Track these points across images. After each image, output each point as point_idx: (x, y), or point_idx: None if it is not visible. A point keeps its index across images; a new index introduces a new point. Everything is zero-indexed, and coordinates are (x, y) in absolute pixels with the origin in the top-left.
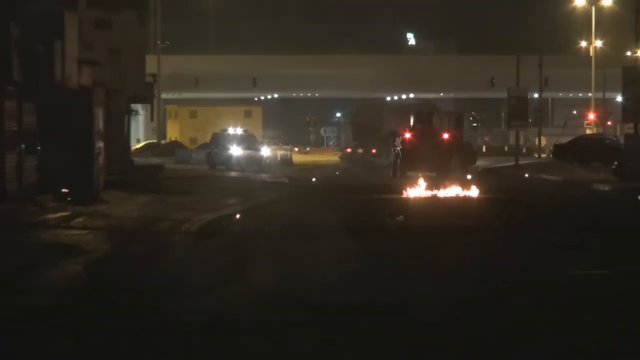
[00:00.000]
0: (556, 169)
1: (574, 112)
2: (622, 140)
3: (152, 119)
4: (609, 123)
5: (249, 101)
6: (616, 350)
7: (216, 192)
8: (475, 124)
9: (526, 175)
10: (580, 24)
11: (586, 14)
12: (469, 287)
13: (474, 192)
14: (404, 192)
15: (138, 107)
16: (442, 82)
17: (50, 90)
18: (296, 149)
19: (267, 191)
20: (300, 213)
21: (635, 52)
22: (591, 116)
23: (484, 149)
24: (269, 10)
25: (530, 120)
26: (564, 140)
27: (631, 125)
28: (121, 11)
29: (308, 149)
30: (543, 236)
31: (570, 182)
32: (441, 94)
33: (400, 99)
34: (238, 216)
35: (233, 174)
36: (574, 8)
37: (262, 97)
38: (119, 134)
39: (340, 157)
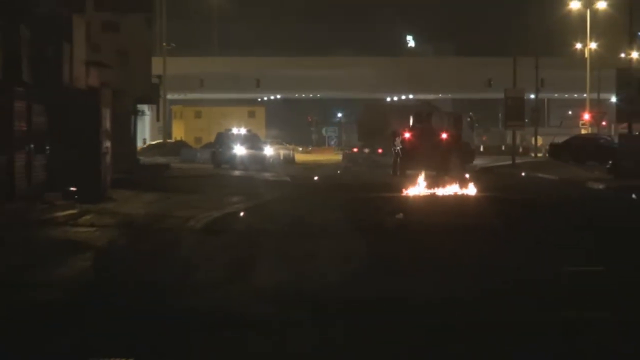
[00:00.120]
0: (552, 168)
1: (570, 112)
2: (616, 140)
3: (158, 119)
4: (604, 123)
5: (253, 102)
6: (617, 351)
7: (220, 191)
8: (473, 125)
9: (523, 174)
10: (575, 27)
11: (581, 17)
12: (468, 285)
13: (472, 190)
14: (403, 190)
15: (144, 107)
16: (440, 83)
17: (59, 91)
18: (300, 149)
19: (270, 189)
20: (302, 212)
21: (629, 54)
22: (586, 116)
23: (481, 149)
24: (269, 13)
25: (526, 120)
26: (560, 139)
27: (625, 125)
28: (128, 14)
29: (310, 148)
30: (540, 234)
31: (565, 180)
32: (440, 95)
33: (402, 99)
34: (242, 214)
35: (237, 172)
36: (570, 11)
37: (265, 98)
38: (126, 133)
39: (343, 157)
